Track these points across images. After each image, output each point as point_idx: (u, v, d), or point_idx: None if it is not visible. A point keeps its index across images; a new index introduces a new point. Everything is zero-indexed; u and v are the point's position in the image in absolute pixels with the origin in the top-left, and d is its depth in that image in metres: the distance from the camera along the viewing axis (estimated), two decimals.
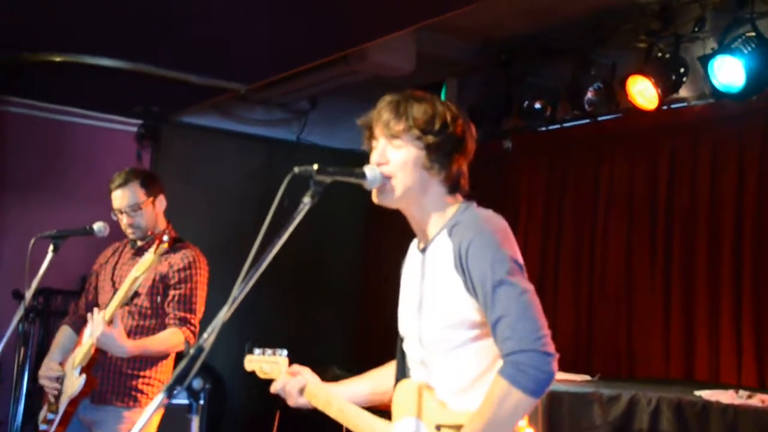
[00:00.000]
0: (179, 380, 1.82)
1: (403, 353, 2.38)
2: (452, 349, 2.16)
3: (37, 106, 6.43)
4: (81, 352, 3.58)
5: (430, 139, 2.17)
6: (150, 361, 3.68)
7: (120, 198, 3.76)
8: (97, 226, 3.67)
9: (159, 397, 1.81)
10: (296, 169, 2.01)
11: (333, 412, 2.45)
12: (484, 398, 2.07)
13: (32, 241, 3.45)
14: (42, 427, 3.70)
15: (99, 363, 3.59)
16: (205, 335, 1.85)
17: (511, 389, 2.00)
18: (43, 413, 3.73)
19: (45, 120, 6.50)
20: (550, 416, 4.01)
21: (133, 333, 3.62)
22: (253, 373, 2.76)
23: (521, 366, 2.00)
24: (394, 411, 2.32)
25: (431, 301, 2.20)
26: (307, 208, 2.00)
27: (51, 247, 3.50)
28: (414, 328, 2.25)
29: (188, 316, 3.66)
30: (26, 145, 6.39)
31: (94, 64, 5.28)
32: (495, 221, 2.18)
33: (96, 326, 3.40)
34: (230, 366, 6.10)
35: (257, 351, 2.75)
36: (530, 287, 2.09)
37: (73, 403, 3.57)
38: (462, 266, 2.11)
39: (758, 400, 3.72)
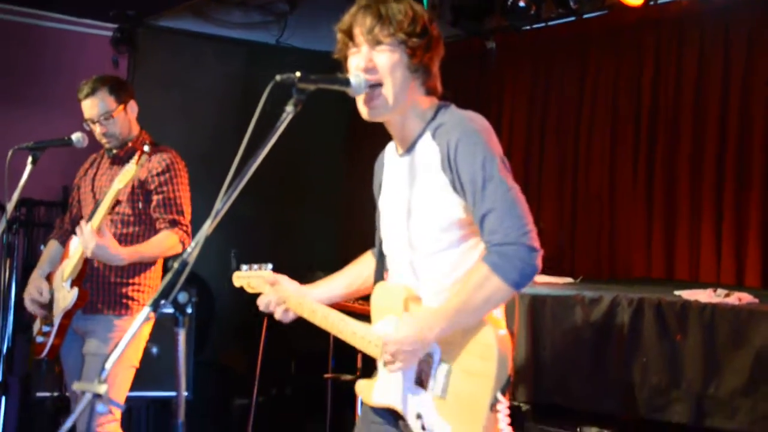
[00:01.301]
0: (164, 294, 1.82)
1: (382, 256, 2.42)
2: (442, 250, 2.20)
3: (5, 10, 6.22)
4: (70, 265, 3.58)
5: (415, 41, 2.16)
6: (138, 268, 3.69)
7: (90, 107, 3.69)
8: (76, 136, 3.61)
9: (144, 311, 1.82)
10: (278, 77, 1.97)
11: (317, 320, 2.49)
12: (463, 281, 2.13)
13: (10, 153, 3.40)
14: (39, 339, 3.75)
15: (87, 274, 3.60)
16: (188, 249, 1.84)
17: (491, 275, 2.06)
18: (38, 325, 3.76)
19: (15, 24, 6.30)
20: (533, 319, 4.08)
21: (119, 241, 3.61)
22: (241, 288, 2.80)
23: (507, 256, 2.05)
24: (373, 312, 2.38)
25: (419, 203, 2.22)
26: (290, 116, 1.97)
27: (30, 159, 3.45)
28: (402, 231, 2.28)
29: (177, 217, 3.66)
30: None
31: None
32: (479, 120, 2.20)
33: (88, 239, 3.38)
34: (216, 274, 6.13)
35: (244, 267, 2.78)
36: (516, 186, 2.13)
37: (68, 315, 3.61)
38: (450, 165, 2.12)
39: (735, 298, 3.79)
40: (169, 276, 1.84)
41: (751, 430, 3.49)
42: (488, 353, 2.09)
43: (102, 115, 3.68)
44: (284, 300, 2.54)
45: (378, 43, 2.16)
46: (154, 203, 3.66)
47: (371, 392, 2.38)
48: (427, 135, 2.22)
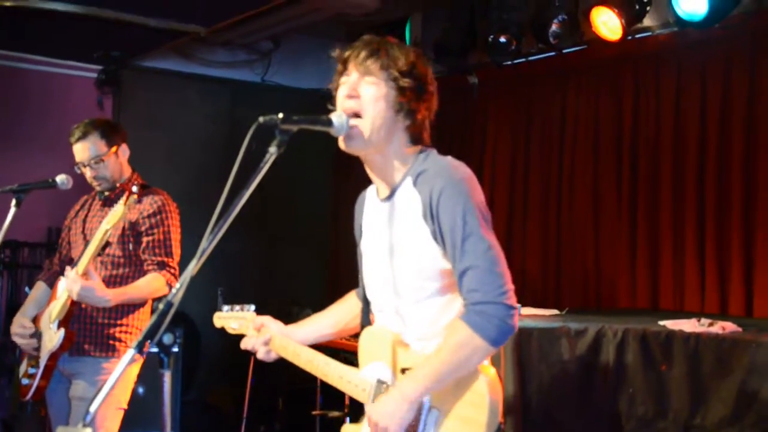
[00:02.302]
0: (150, 336, 1.82)
1: (367, 301, 2.41)
2: (427, 298, 2.19)
3: None
4: (57, 306, 3.56)
5: (406, 81, 2.17)
6: (126, 309, 3.67)
7: (81, 151, 3.70)
8: (60, 178, 3.61)
9: (130, 353, 1.81)
10: (261, 119, 1.99)
11: (301, 363, 2.48)
12: (444, 341, 2.11)
13: None
14: (24, 381, 3.71)
15: (75, 315, 3.58)
16: (173, 290, 1.85)
17: (473, 336, 2.05)
18: (24, 367, 3.73)
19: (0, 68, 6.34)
20: (519, 351, 4.09)
21: (107, 283, 3.60)
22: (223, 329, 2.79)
23: (486, 316, 2.05)
24: (361, 358, 2.36)
25: (402, 251, 2.21)
26: (273, 158, 1.98)
27: (13, 201, 3.45)
28: (387, 277, 2.27)
29: (166, 259, 3.65)
30: None
31: (47, 9, 5.12)
32: (462, 169, 2.18)
33: (73, 282, 3.38)
34: (204, 312, 6.07)
35: (225, 308, 2.77)
36: (496, 242, 2.12)
37: (54, 357, 3.57)
38: (432, 216, 2.12)
39: (719, 327, 3.81)
40: (154, 317, 1.84)
41: None
42: (479, 400, 2.07)
43: (92, 159, 3.68)
44: (268, 341, 2.54)
45: (368, 73, 2.17)
46: (143, 245, 3.66)
47: None
48: (408, 181, 2.21)
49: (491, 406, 2.06)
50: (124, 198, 3.35)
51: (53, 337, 3.54)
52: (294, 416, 5.97)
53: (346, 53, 2.22)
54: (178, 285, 1.85)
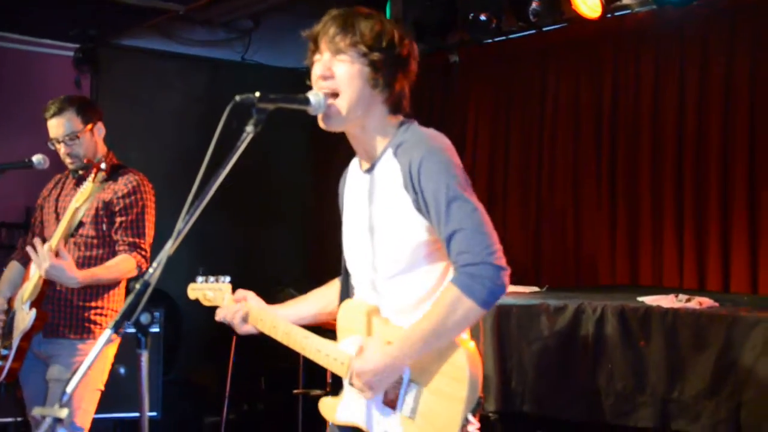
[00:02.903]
0: (126, 316, 1.81)
1: (347, 274, 2.41)
2: (403, 271, 2.19)
3: None
4: (29, 287, 3.53)
5: (377, 55, 2.14)
6: (101, 291, 3.65)
7: (56, 127, 3.64)
8: (36, 158, 3.57)
9: (106, 334, 1.81)
10: (238, 97, 1.97)
11: (279, 336, 2.46)
12: (434, 304, 2.11)
13: None
14: None
15: (49, 296, 3.55)
16: (150, 269, 1.84)
17: (462, 297, 2.05)
18: None
19: None
20: (499, 328, 4.11)
21: (80, 264, 3.56)
22: (197, 301, 2.77)
23: (476, 277, 2.04)
24: (339, 331, 2.36)
25: (381, 223, 2.21)
26: (250, 137, 1.97)
27: None
28: (366, 250, 2.26)
29: (138, 240, 3.61)
30: None
31: None
32: (441, 138, 2.18)
33: (43, 259, 3.34)
34: (185, 292, 6.09)
35: (200, 279, 2.74)
36: (480, 204, 2.12)
37: (26, 338, 3.54)
38: (413, 185, 2.11)
39: (696, 302, 3.85)
40: (131, 297, 1.83)
41: (715, 431, 3.55)
42: (460, 374, 2.07)
43: (67, 135, 3.62)
44: (246, 314, 2.53)
45: (339, 51, 2.14)
46: (116, 225, 3.61)
47: (335, 410, 2.36)
48: (389, 153, 2.20)
49: (471, 381, 2.07)
50: (92, 176, 3.31)
51: (25, 317, 3.51)
52: (276, 395, 5.98)
53: (316, 30, 2.19)
54: (155, 264, 1.84)
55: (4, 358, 3.60)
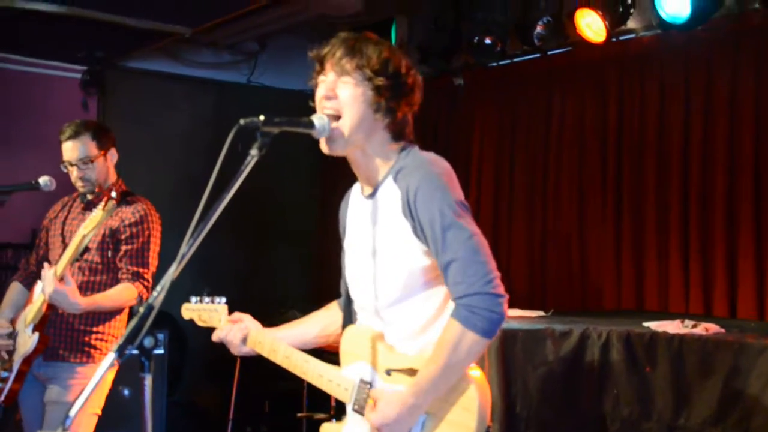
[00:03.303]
0: (130, 339, 1.81)
1: (349, 299, 2.40)
2: (404, 297, 2.18)
3: None
4: (33, 310, 3.53)
5: (381, 80, 2.15)
6: (103, 316, 3.64)
7: (70, 150, 3.66)
8: (43, 180, 3.58)
9: (110, 357, 1.80)
10: (242, 121, 1.98)
11: (279, 359, 2.45)
12: (438, 342, 2.09)
13: None
14: None
15: (51, 320, 3.55)
16: (154, 293, 1.83)
17: (465, 331, 2.04)
18: None
19: None
20: (504, 353, 4.08)
21: (83, 289, 3.57)
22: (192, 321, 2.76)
23: (473, 308, 2.03)
24: (343, 357, 2.34)
25: (382, 248, 2.20)
26: (254, 160, 1.97)
27: None
28: (368, 277, 2.25)
29: (141, 270, 3.62)
30: None
31: (30, 9, 5.08)
32: (440, 163, 2.18)
33: (47, 283, 3.34)
34: None
35: (194, 299, 2.73)
36: (477, 230, 2.10)
37: (27, 361, 3.54)
38: (411, 211, 2.10)
39: (702, 328, 3.82)
40: (134, 320, 1.83)
41: None
42: (470, 404, 2.06)
43: (81, 160, 3.65)
44: (245, 336, 2.52)
45: (344, 73, 2.15)
46: (121, 253, 3.62)
47: None
48: (390, 178, 2.20)
49: (480, 411, 2.06)
50: (102, 203, 3.32)
51: (27, 340, 3.51)
52: (280, 418, 5.95)
53: (323, 51, 2.20)
54: (159, 288, 1.83)
55: (4, 380, 3.59)
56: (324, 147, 2.20)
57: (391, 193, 2.18)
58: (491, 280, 2.04)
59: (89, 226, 3.33)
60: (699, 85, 5.12)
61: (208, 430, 6.08)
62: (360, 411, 2.22)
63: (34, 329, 3.51)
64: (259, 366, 5.45)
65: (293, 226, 7.35)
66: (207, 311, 2.68)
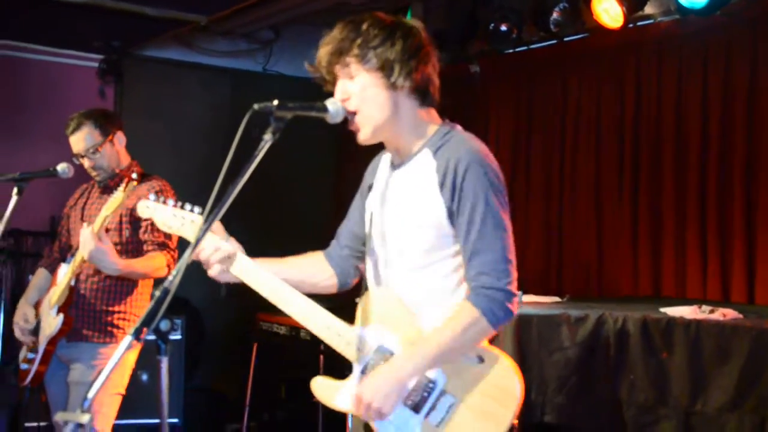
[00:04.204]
0: (146, 323, 1.82)
1: (353, 253, 2.41)
2: (419, 268, 2.18)
3: None
4: (57, 292, 3.58)
5: (374, 58, 2.13)
6: (123, 296, 3.69)
7: (76, 142, 3.71)
8: (61, 167, 3.61)
9: (127, 340, 1.81)
10: (256, 106, 1.98)
11: (277, 298, 2.28)
12: (448, 322, 2.10)
13: None
14: (23, 366, 3.73)
15: (73, 301, 3.59)
16: (170, 277, 1.84)
17: (481, 318, 2.06)
18: (24, 353, 3.76)
19: (1, 57, 6.33)
20: (519, 338, 4.08)
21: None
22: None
23: (495, 301, 2.07)
24: (363, 316, 2.26)
25: (408, 218, 2.19)
26: (268, 145, 1.98)
27: (15, 190, 3.44)
28: (388, 243, 2.24)
29: (166, 240, 3.66)
30: None
31: None
32: (489, 153, 2.18)
33: (86, 241, 3.35)
34: (207, 300, 6.13)
35: (152, 197, 2.47)
36: (510, 227, 2.14)
37: (53, 342, 3.60)
38: (453, 187, 2.09)
39: (719, 314, 3.81)
40: (151, 304, 1.84)
41: None
42: (508, 400, 2.05)
43: (89, 149, 3.69)
44: (228, 254, 2.30)
45: (342, 73, 2.16)
46: (142, 228, 3.66)
47: (335, 395, 2.26)
48: (426, 152, 2.18)
49: (516, 408, 2.06)
50: (123, 185, 3.35)
51: (52, 322, 3.56)
52: (296, 404, 5.98)
53: (316, 63, 2.20)
54: (174, 272, 1.85)
55: (31, 361, 3.65)
56: (359, 139, 2.20)
57: (426, 166, 2.17)
58: (513, 280, 2.10)
59: (111, 207, 3.36)
60: (717, 70, 5.08)
61: (226, 415, 6.12)
62: None
63: (59, 310, 3.56)
64: (276, 352, 5.49)
65: (309, 219, 7.35)
66: (177, 218, 2.39)
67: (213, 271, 2.31)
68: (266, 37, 6.34)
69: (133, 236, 3.66)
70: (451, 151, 2.13)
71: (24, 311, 3.72)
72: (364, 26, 2.15)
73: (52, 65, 6.52)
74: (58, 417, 1.78)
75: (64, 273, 3.58)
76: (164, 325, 1.86)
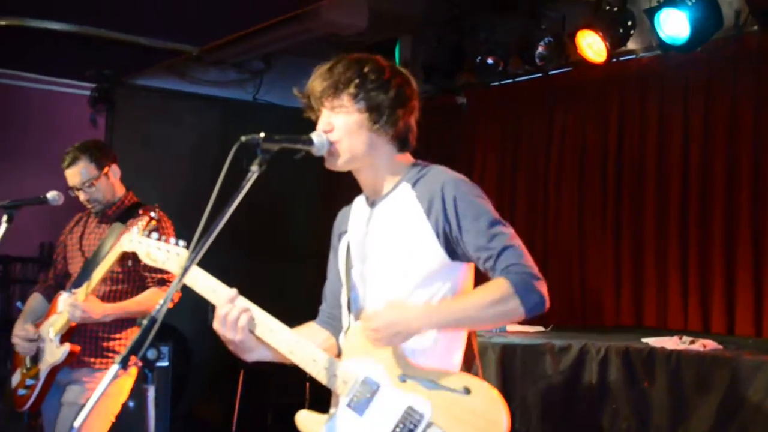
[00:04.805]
0: (134, 351, 1.83)
1: (347, 303, 2.36)
2: (408, 295, 2.17)
3: None
4: (59, 322, 3.60)
5: (366, 102, 2.16)
6: (124, 323, 3.72)
7: (72, 176, 3.74)
8: (51, 195, 3.62)
9: (114, 369, 1.82)
10: (243, 138, 2.00)
11: (266, 334, 2.25)
12: (480, 291, 2.10)
13: None
14: (20, 392, 3.73)
15: (76, 330, 3.63)
16: (157, 306, 1.86)
17: (513, 297, 2.05)
18: (18, 377, 3.76)
19: None
20: (503, 367, 4.10)
21: (108, 298, 3.65)
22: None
23: (531, 285, 2.07)
24: (347, 349, 2.25)
25: (391, 252, 2.20)
26: (255, 176, 2.00)
27: (5, 217, 3.45)
28: (368, 278, 2.25)
29: (165, 276, 3.68)
30: None
31: (40, 28, 5.15)
32: (469, 180, 2.21)
33: (74, 308, 3.46)
34: (194, 327, 6.12)
35: (135, 229, 2.47)
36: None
37: (54, 371, 3.62)
38: (444, 211, 2.12)
39: (700, 345, 3.84)
40: (138, 333, 1.85)
41: None
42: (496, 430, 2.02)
43: (84, 183, 3.73)
44: (251, 318, 2.24)
45: (333, 107, 2.18)
46: (141, 264, 3.67)
47: (320, 428, 2.23)
48: (405, 185, 2.22)
49: None
50: (144, 223, 3.35)
51: (55, 351, 3.58)
52: (283, 430, 5.95)
53: (307, 91, 2.22)
54: (161, 301, 1.86)
55: (30, 387, 3.67)
56: (326, 163, 2.23)
57: (407, 197, 2.20)
58: (538, 271, 2.10)
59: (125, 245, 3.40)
60: (698, 104, 5.15)
61: None
62: (356, 409, 2.17)
63: (62, 340, 3.59)
64: (262, 378, 5.48)
65: (299, 243, 7.37)
66: (160, 250, 2.36)
67: (231, 335, 2.19)
68: (257, 67, 6.39)
69: (135, 266, 3.68)
70: (431, 181, 2.18)
71: (23, 327, 3.73)
72: (366, 69, 2.19)
73: (45, 93, 6.55)
74: None
75: (65, 302, 3.60)
76: (151, 354, 1.87)
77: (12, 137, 6.35)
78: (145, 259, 2.44)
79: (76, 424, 1.79)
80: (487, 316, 2.08)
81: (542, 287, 2.08)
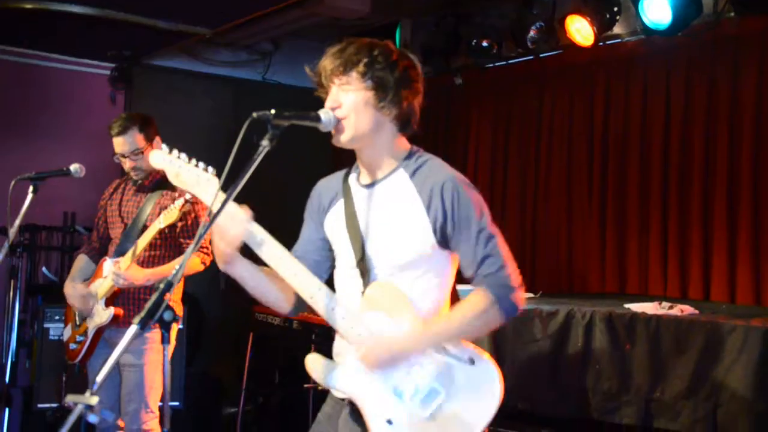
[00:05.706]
0: (151, 313, 1.83)
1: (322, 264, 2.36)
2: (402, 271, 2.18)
3: (9, 51, 6.23)
4: (104, 286, 3.66)
5: (373, 81, 2.15)
6: None
7: (121, 144, 3.77)
8: (74, 167, 3.65)
9: (132, 329, 1.82)
10: (255, 114, 1.99)
11: (281, 268, 2.21)
12: (464, 305, 2.13)
13: (12, 183, 3.40)
14: (72, 346, 3.84)
15: (120, 293, 3.70)
16: (173, 271, 1.86)
17: (494, 308, 2.10)
18: (69, 332, 3.87)
19: (19, 65, 6.32)
20: (495, 332, 4.10)
21: (146, 262, 3.72)
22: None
23: (511, 297, 2.11)
24: (364, 302, 2.19)
25: (384, 233, 2.19)
26: (265, 151, 1.99)
27: (31, 188, 3.46)
28: (358, 259, 2.22)
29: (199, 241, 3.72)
30: (2, 89, 6.21)
31: (64, 11, 5.11)
32: (465, 178, 2.21)
33: (117, 277, 3.57)
34: (207, 293, 6.14)
35: (165, 147, 2.29)
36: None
37: (100, 331, 3.72)
38: (443, 210, 2.12)
39: (678, 310, 3.85)
40: (155, 295, 1.85)
41: (693, 430, 3.53)
42: (490, 401, 2.13)
43: (132, 152, 3.76)
44: (248, 231, 2.18)
45: (342, 83, 2.16)
46: (178, 229, 3.73)
47: (327, 374, 2.22)
48: (402, 173, 2.20)
49: (495, 409, 2.14)
50: (180, 204, 3.40)
51: (102, 314, 3.67)
52: (289, 388, 5.99)
53: (317, 68, 2.20)
54: (177, 267, 1.86)
55: (80, 343, 3.78)
56: (333, 139, 2.21)
57: (405, 186, 2.19)
58: (520, 281, 2.15)
59: (165, 222, 3.48)
60: (679, 85, 5.12)
61: (223, 398, 6.12)
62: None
63: (107, 303, 3.66)
64: (271, 340, 5.50)
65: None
66: (189, 172, 2.24)
67: (223, 243, 2.14)
68: (266, 49, 6.35)
69: (171, 231, 3.70)
70: (431, 176, 2.16)
71: (73, 285, 3.79)
72: (375, 51, 2.17)
73: (68, 73, 6.52)
74: (69, 398, 1.80)
75: (109, 268, 3.67)
76: (167, 315, 1.87)
77: (38, 114, 6.33)
78: (174, 180, 2.25)
79: (98, 379, 1.79)
80: (473, 328, 2.13)
81: (518, 298, 2.13)
